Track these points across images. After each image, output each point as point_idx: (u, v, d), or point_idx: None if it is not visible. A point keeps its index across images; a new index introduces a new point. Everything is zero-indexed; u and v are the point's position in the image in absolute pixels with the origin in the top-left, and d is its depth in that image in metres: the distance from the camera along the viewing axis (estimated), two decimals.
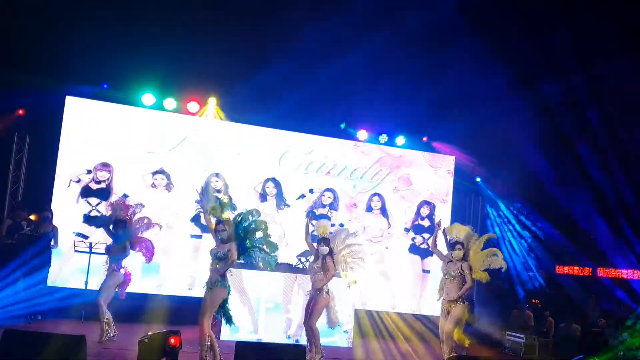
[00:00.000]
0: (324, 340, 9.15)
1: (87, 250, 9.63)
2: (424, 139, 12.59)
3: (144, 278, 10.49)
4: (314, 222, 8.74)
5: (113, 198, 10.50)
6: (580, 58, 11.34)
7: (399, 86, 11.55)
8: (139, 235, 8.56)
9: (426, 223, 12.36)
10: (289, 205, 11.61)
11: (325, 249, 8.21)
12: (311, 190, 11.82)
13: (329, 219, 11.65)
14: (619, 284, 15.35)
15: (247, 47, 11.01)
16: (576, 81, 11.73)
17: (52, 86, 10.36)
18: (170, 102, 11.20)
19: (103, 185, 10.73)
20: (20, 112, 10.75)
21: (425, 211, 12.39)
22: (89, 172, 10.70)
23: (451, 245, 8.36)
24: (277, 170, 11.66)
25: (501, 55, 10.98)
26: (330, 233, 8.63)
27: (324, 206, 11.84)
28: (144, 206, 8.89)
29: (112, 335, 8.13)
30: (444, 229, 8.80)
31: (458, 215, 12.24)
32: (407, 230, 12.32)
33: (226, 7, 10.76)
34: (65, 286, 10.13)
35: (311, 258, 10.57)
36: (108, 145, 10.82)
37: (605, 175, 13.16)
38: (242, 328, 9.31)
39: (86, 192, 10.64)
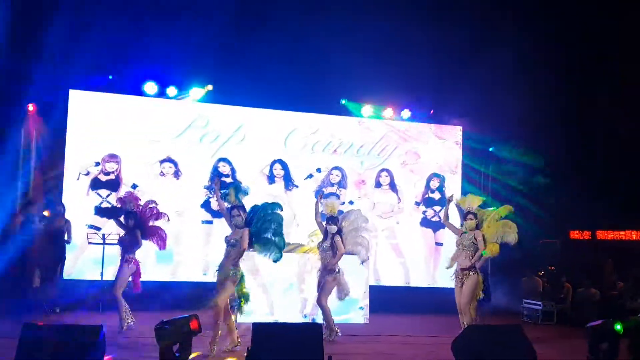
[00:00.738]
0: (339, 318, 9.23)
1: (101, 241, 9.68)
2: (431, 111, 12.49)
3: (158, 265, 10.55)
4: (323, 201, 8.71)
5: (122, 188, 10.55)
6: None
7: (401, 59, 11.43)
8: (150, 224, 8.59)
9: (436, 196, 12.31)
10: (297, 186, 11.60)
11: (333, 228, 8.23)
12: (319, 170, 11.79)
13: (338, 197, 11.61)
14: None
15: (245, 28, 10.93)
16: None
17: (56, 80, 10.34)
18: (172, 90, 11.16)
19: (112, 176, 10.77)
20: (31, 107, 10.73)
21: (435, 184, 12.34)
22: (97, 164, 10.73)
23: (464, 216, 8.36)
24: (283, 151, 11.63)
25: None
26: (340, 212, 8.63)
27: (332, 184, 11.82)
28: (157, 203, 8.86)
29: (130, 322, 8.22)
30: (457, 202, 8.76)
31: (468, 187, 12.18)
32: (417, 204, 12.29)
33: None
34: (81, 279, 10.21)
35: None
36: (114, 136, 10.84)
37: None
38: (258, 310, 9.36)
39: (96, 184, 10.68)
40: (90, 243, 9.90)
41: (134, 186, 10.66)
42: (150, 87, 11.05)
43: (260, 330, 5.90)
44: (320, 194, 8.93)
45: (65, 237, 9.78)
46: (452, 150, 12.55)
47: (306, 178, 11.71)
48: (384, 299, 10.78)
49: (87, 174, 10.66)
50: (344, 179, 11.92)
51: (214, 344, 6.88)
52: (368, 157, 12.14)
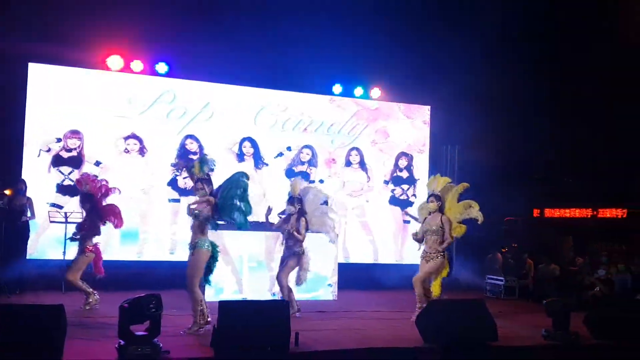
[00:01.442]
0: (308, 295, 9.29)
1: (63, 220, 9.49)
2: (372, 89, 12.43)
3: (123, 245, 10.41)
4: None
5: (85, 166, 10.34)
6: None
7: (370, 38, 11.38)
8: (103, 204, 8.36)
9: (405, 174, 12.39)
10: (267, 164, 11.53)
11: (291, 208, 8.23)
12: (289, 148, 11.73)
13: (308, 175, 11.62)
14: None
15: (214, 5, 10.73)
16: None
17: (14, 52, 9.98)
18: (137, 64, 10.90)
19: (74, 153, 10.52)
20: None
21: (403, 162, 12.41)
22: (59, 140, 10.44)
23: (427, 198, 8.39)
24: (253, 129, 11.52)
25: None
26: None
27: (302, 163, 11.78)
28: (106, 181, 8.65)
29: (95, 304, 8.12)
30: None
31: (435, 165, 12.28)
32: (386, 182, 12.35)
33: None
34: (43, 258, 10.01)
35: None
36: (77, 112, 10.53)
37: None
38: (227, 288, 9.35)
39: (57, 161, 10.41)
40: (52, 222, 9.70)
41: (97, 163, 10.46)
42: (114, 61, 10.76)
43: (227, 308, 5.89)
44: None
45: (28, 215, 9.54)
46: (420, 129, 12.60)
47: (276, 156, 11.65)
48: (353, 276, 10.86)
49: (48, 150, 10.37)
50: (314, 158, 11.88)
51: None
52: (338, 136, 12.12)
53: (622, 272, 10.67)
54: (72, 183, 10.11)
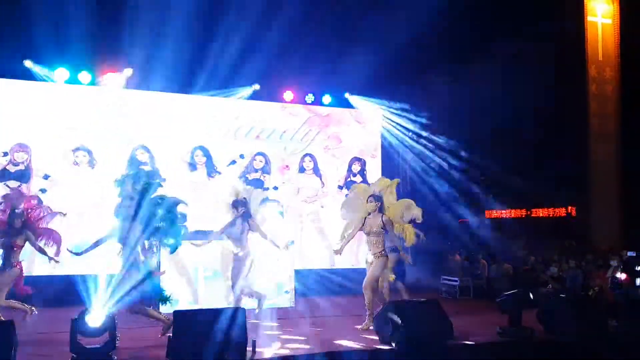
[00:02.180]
0: (265, 303, 9.27)
1: None
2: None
3: (73, 259, 10.15)
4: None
5: (33, 179, 10.10)
6: None
7: (321, 45, 11.49)
8: (42, 225, 7.91)
9: (358, 179, 12.50)
10: (220, 173, 11.47)
11: (235, 212, 8.19)
12: (242, 156, 11.71)
13: (262, 182, 11.62)
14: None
15: (163, 13, 10.65)
16: None
17: None
18: (85, 76, 10.73)
19: (22, 166, 10.26)
20: None
21: (356, 167, 12.54)
22: (6, 154, 10.17)
23: (368, 199, 8.28)
24: (205, 137, 11.44)
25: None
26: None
27: (256, 170, 11.77)
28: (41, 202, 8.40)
29: (32, 309, 7.77)
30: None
31: (387, 170, 12.45)
32: (340, 187, 12.44)
33: None
34: None
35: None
36: (24, 124, 10.30)
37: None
38: (182, 299, 9.25)
39: (4, 175, 10.13)
40: None
41: (46, 176, 10.23)
42: (61, 73, 10.58)
43: (182, 317, 5.86)
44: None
45: None
46: (371, 134, 12.77)
47: (229, 164, 11.60)
48: (310, 282, 10.91)
49: None
50: (267, 165, 11.89)
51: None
52: (291, 143, 12.17)
53: (573, 268, 10.97)
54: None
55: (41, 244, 7.75)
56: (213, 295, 9.36)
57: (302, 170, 12.18)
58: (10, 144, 10.21)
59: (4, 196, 8.24)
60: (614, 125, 14.95)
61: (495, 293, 10.06)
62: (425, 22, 11.60)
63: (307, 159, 12.23)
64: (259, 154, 11.83)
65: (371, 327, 7.60)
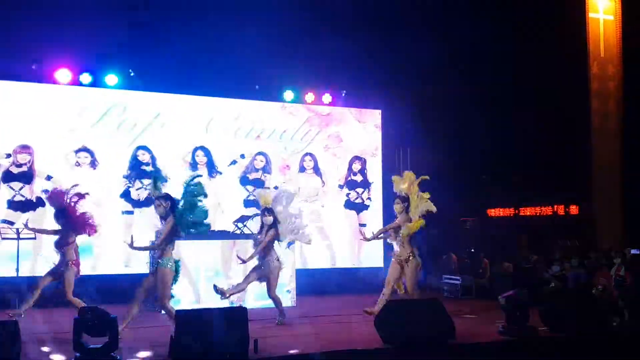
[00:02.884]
0: (266, 302, 9.29)
1: (15, 236, 9.23)
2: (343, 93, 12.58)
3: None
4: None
5: (36, 180, 10.14)
6: None
7: (319, 44, 11.48)
8: (77, 214, 8.11)
9: (359, 178, 12.53)
10: (220, 173, 11.50)
11: (269, 219, 8.19)
12: (242, 156, 11.72)
13: (263, 182, 11.64)
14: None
15: (161, 13, 10.68)
16: None
17: None
18: (86, 77, 10.76)
19: (24, 168, 10.30)
20: None
21: (357, 166, 12.55)
22: (9, 155, 10.23)
23: (393, 199, 8.42)
24: (205, 138, 11.48)
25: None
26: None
27: (256, 170, 11.79)
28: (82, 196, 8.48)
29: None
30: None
31: (388, 169, 12.44)
32: (340, 187, 12.46)
33: None
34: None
35: (248, 223, 10.60)
36: (26, 126, 10.36)
37: None
38: (184, 299, 9.27)
39: (7, 177, 10.18)
40: (4, 238, 9.45)
41: (48, 177, 10.27)
42: (63, 74, 10.61)
43: (184, 317, 5.88)
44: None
45: None
46: (372, 133, 12.77)
47: (230, 164, 11.62)
48: (311, 282, 10.91)
49: None
50: (268, 164, 11.91)
51: None
52: (291, 142, 12.18)
53: (576, 267, 10.94)
54: (23, 199, 9.89)
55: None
56: (214, 295, 9.36)
57: (302, 169, 12.20)
58: (13, 146, 10.25)
59: (48, 198, 8.23)
60: (616, 123, 14.92)
61: (495, 292, 10.06)
62: (423, 20, 11.67)
63: (307, 158, 12.24)
64: (259, 153, 11.86)
65: (374, 311, 7.70)
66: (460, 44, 13.11)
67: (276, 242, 8.37)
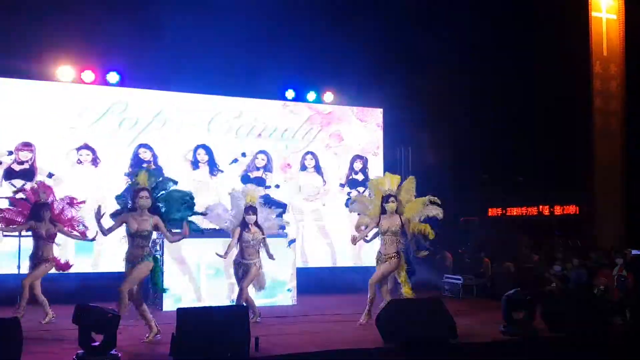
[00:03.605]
0: (267, 301, 9.30)
1: (16, 234, 9.24)
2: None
3: (78, 257, 10.20)
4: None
5: (38, 178, 10.13)
6: None
7: (321, 42, 11.48)
8: (65, 215, 8.23)
9: (360, 177, 12.51)
10: (222, 171, 11.49)
11: (252, 218, 8.08)
12: (244, 154, 11.72)
13: (264, 181, 11.63)
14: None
15: (164, 9, 10.66)
16: None
17: None
18: (88, 75, 10.76)
19: (26, 165, 10.32)
20: None
21: (358, 165, 12.54)
22: (10, 153, 10.24)
23: (385, 198, 8.24)
24: (206, 136, 11.47)
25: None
26: (261, 197, 8.55)
27: (258, 169, 11.78)
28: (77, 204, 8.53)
29: (53, 316, 7.97)
30: (374, 183, 8.74)
31: (390, 168, 12.41)
32: (342, 185, 12.45)
33: None
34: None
35: None
36: (28, 124, 10.38)
37: None
38: (185, 297, 9.28)
39: (9, 174, 10.20)
40: (5, 236, 9.44)
41: (50, 175, 10.27)
42: (65, 72, 10.61)
43: (185, 315, 5.88)
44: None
45: None
46: (373, 132, 12.76)
47: (231, 163, 11.62)
48: (312, 281, 10.90)
49: (0, 163, 10.16)
50: (269, 163, 11.90)
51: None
52: (293, 141, 12.17)
53: (577, 267, 10.92)
54: (24, 196, 9.85)
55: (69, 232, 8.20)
56: (215, 293, 9.40)
57: (303, 168, 12.19)
58: (15, 143, 10.26)
59: (31, 189, 8.37)
60: (618, 122, 14.89)
61: (496, 292, 10.05)
62: (425, 19, 11.64)
63: (309, 156, 12.24)
64: (260, 152, 11.85)
65: (369, 322, 7.67)
66: (463, 42, 13.09)
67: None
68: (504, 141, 14.78)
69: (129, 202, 7.11)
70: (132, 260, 6.90)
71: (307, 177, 12.19)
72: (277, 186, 11.75)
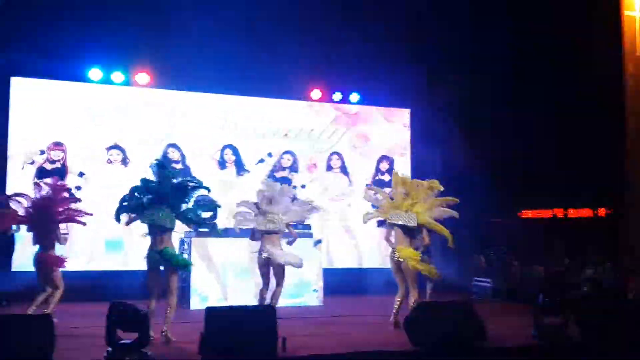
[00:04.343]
0: (293, 301, 9.31)
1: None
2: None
3: (107, 254, 10.36)
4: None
5: (69, 177, 10.31)
6: None
7: (348, 43, 11.45)
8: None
9: (386, 178, 12.44)
10: (248, 171, 11.56)
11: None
12: (270, 154, 11.77)
13: (290, 181, 11.64)
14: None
15: (193, 14, 10.74)
16: None
17: None
18: (118, 76, 10.91)
19: (58, 164, 10.52)
20: None
21: (384, 166, 12.49)
22: (42, 152, 10.46)
23: (403, 196, 8.24)
24: (234, 136, 11.54)
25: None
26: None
27: (284, 169, 11.82)
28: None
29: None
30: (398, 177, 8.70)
31: (419, 168, 12.33)
32: (368, 186, 12.36)
33: None
34: (29, 270, 9.88)
35: None
36: (59, 123, 10.63)
37: None
38: (211, 296, 9.34)
39: (41, 173, 10.39)
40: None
41: (81, 174, 10.47)
42: (95, 73, 10.78)
43: (214, 314, 5.90)
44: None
45: (14, 227, 9.41)
46: (400, 132, 12.70)
47: (257, 163, 11.68)
48: (338, 281, 10.88)
49: (32, 162, 10.37)
50: (295, 163, 11.93)
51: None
52: (319, 141, 12.18)
53: (610, 271, 10.72)
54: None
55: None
56: (242, 292, 9.43)
57: (329, 168, 12.19)
58: (47, 143, 10.45)
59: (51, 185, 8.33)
60: None
61: (527, 296, 9.89)
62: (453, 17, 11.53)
63: (335, 157, 12.24)
64: (286, 152, 11.89)
65: (398, 320, 7.64)
66: (492, 41, 12.92)
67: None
68: (536, 141, 14.54)
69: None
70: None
71: (332, 177, 12.19)
72: (303, 186, 11.77)
